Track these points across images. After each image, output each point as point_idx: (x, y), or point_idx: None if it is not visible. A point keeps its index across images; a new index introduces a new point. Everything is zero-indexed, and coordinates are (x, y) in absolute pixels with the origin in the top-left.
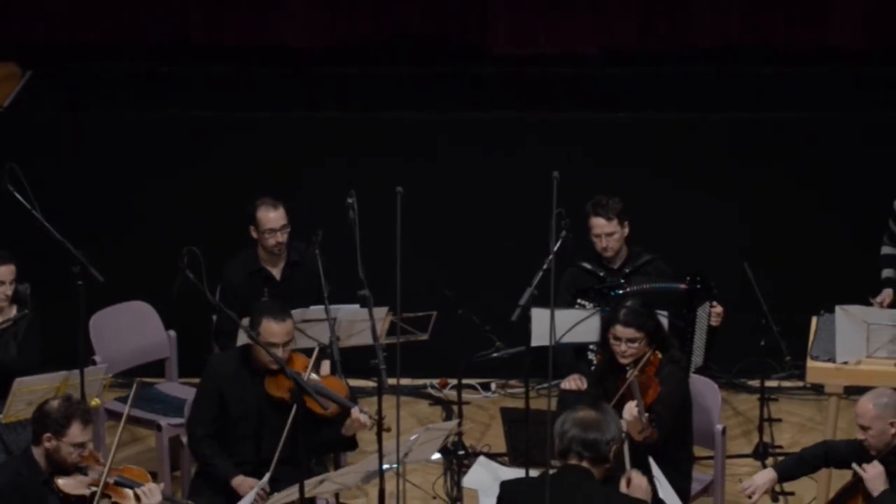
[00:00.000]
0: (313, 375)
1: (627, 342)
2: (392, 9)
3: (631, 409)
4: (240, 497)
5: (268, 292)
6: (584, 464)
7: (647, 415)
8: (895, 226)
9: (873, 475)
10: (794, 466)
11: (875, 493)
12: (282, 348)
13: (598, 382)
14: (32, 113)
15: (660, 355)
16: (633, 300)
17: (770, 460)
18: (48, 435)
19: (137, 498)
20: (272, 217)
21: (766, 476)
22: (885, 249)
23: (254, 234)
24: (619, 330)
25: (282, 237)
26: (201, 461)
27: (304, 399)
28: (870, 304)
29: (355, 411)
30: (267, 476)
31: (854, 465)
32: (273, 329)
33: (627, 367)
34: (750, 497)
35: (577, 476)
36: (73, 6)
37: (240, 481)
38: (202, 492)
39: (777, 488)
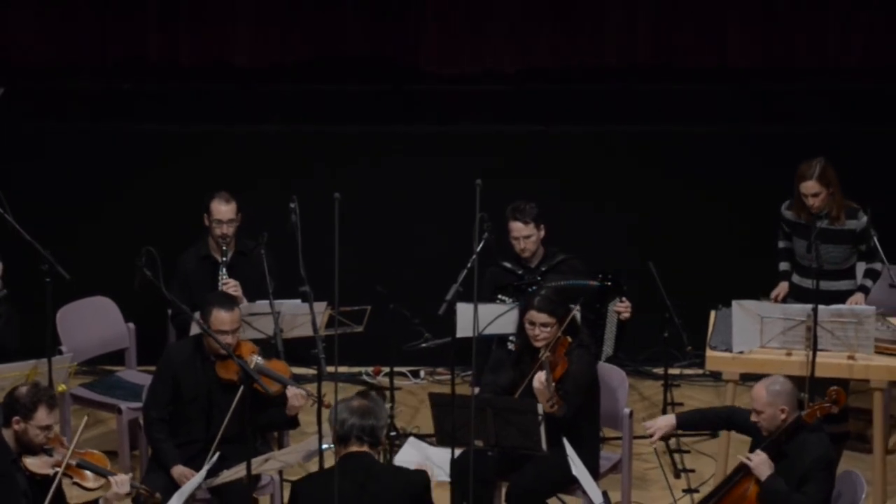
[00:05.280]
0: (259, 359)
1: (541, 326)
2: (332, 32)
3: (540, 377)
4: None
5: (225, 273)
6: (365, 448)
7: (554, 385)
8: (787, 228)
9: (758, 462)
10: (696, 419)
11: (763, 478)
12: (231, 335)
13: (515, 364)
14: (1, 126)
15: (570, 339)
16: (547, 289)
17: (672, 441)
18: (17, 418)
19: (101, 481)
20: (223, 210)
21: (668, 420)
22: (781, 244)
23: (206, 223)
24: (534, 315)
25: (227, 230)
26: (151, 443)
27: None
28: (762, 299)
29: (290, 389)
30: (204, 469)
31: (740, 456)
32: (222, 318)
33: (541, 350)
34: (651, 435)
35: (362, 460)
36: (38, 27)
37: (179, 472)
38: (159, 469)
39: (679, 465)
